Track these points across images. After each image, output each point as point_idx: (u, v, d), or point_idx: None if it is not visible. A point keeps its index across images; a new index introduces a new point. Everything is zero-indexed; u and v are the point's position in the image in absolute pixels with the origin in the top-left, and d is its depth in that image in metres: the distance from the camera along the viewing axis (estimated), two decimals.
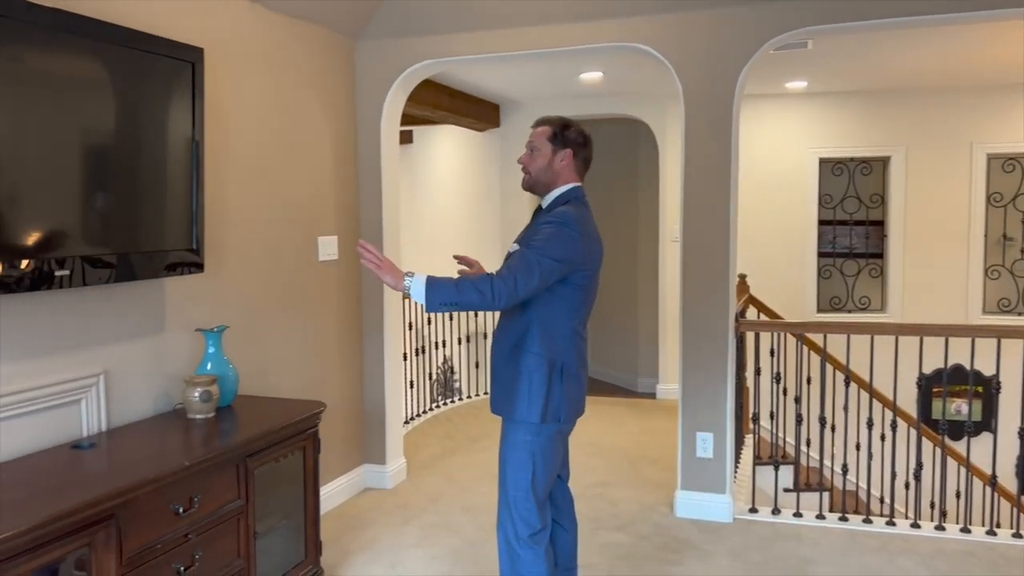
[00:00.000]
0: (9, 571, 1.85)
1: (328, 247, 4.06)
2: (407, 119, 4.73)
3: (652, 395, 6.80)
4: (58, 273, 2.37)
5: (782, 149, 6.72)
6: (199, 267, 2.94)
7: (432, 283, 2.31)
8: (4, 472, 2.25)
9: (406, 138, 7.64)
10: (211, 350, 2.97)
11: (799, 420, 4.18)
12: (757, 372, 4.19)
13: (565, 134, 2.54)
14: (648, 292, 7.23)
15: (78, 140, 2.46)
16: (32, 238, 2.30)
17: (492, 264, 3.02)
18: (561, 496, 2.77)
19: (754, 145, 6.59)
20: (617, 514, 4.01)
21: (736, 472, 4.16)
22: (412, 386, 5.57)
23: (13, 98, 2.23)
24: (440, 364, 6.39)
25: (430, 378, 6.20)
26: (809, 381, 4.47)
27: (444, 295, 2.30)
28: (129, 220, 2.65)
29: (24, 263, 2.27)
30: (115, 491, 2.12)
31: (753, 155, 6.59)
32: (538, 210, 2.64)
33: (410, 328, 5.54)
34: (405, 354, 5.08)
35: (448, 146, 7.48)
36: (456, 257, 2.73)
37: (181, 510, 2.36)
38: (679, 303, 3.90)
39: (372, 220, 4.32)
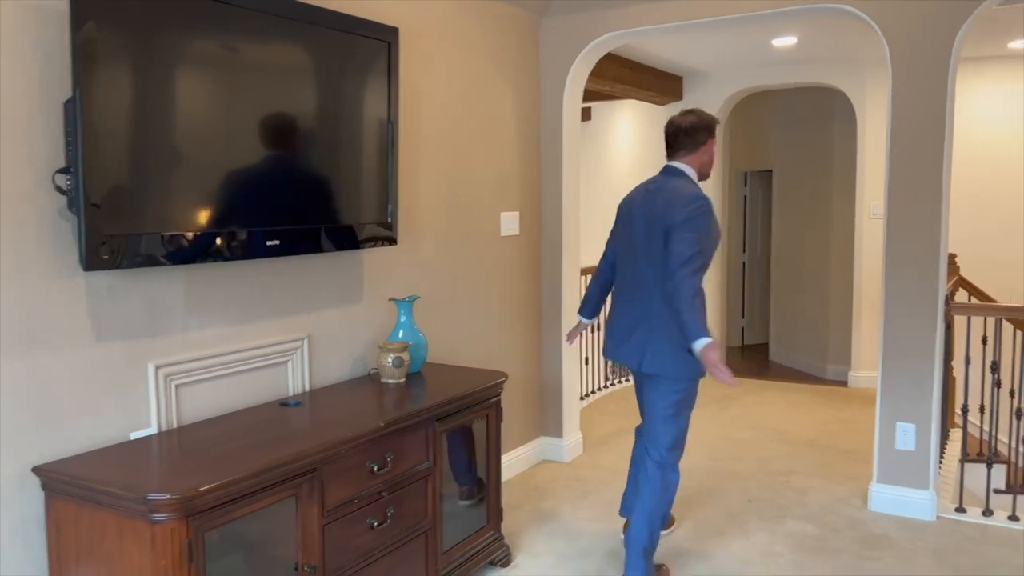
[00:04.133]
0: (228, 514, 2.03)
1: (510, 223, 4.12)
2: (588, 95, 4.69)
3: (843, 383, 6.40)
4: (268, 243, 2.55)
5: (998, 116, 6.05)
6: (392, 241, 3.07)
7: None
8: (223, 424, 2.47)
9: (585, 115, 7.62)
10: (403, 319, 3.11)
11: (1020, 415, 3.76)
12: (967, 361, 3.83)
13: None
14: (841, 274, 6.78)
15: (284, 120, 2.62)
16: (245, 211, 2.49)
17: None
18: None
19: (964, 112, 5.98)
20: (805, 503, 3.81)
21: (940, 468, 3.83)
22: (587, 363, 5.58)
23: (229, 80, 2.42)
24: None
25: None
26: None
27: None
28: (328, 196, 2.80)
29: (240, 233, 2.46)
30: (319, 446, 2.26)
31: (963, 123, 5.98)
32: None
33: None
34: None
35: (627, 121, 7.38)
36: None
37: (376, 468, 2.49)
38: (881, 285, 3.63)
39: (553, 197, 4.33)
